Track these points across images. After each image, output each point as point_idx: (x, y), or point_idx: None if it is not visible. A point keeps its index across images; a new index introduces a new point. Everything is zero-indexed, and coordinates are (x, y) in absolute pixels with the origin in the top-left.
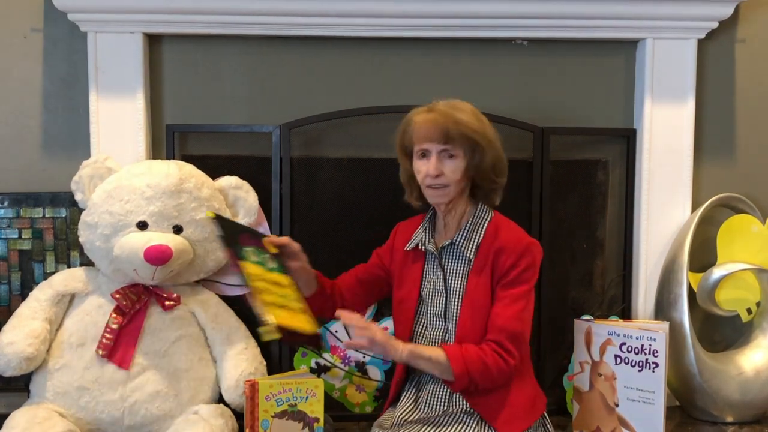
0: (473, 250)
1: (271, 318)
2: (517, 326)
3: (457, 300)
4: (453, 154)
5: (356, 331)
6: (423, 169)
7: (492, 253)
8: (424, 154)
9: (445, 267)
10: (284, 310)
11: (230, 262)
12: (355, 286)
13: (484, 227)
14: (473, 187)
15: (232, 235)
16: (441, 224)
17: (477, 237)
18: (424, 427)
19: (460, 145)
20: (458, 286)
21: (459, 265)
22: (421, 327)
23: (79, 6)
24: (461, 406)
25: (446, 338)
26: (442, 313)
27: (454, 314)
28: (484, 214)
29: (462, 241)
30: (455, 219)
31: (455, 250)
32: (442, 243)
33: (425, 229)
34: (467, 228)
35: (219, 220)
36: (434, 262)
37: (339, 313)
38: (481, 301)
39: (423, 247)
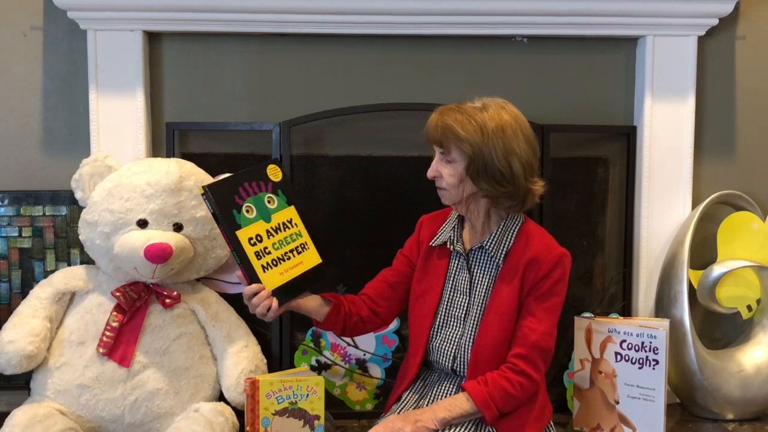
0: (503, 255)
1: (270, 284)
2: (549, 343)
3: (480, 304)
4: (449, 159)
5: None
6: None
7: (523, 263)
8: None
9: (473, 270)
10: (286, 262)
11: (225, 241)
12: (386, 290)
13: (514, 233)
14: None
15: (228, 199)
16: (469, 225)
17: (507, 243)
18: None
19: (453, 150)
20: (483, 290)
21: (487, 269)
22: (437, 326)
23: (79, 4)
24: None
25: (462, 341)
26: (462, 315)
27: (475, 318)
28: (515, 220)
29: (492, 245)
30: (478, 222)
31: (484, 254)
32: (470, 245)
33: (453, 228)
34: (497, 233)
35: (211, 189)
36: (461, 262)
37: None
38: (508, 309)
39: (451, 246)
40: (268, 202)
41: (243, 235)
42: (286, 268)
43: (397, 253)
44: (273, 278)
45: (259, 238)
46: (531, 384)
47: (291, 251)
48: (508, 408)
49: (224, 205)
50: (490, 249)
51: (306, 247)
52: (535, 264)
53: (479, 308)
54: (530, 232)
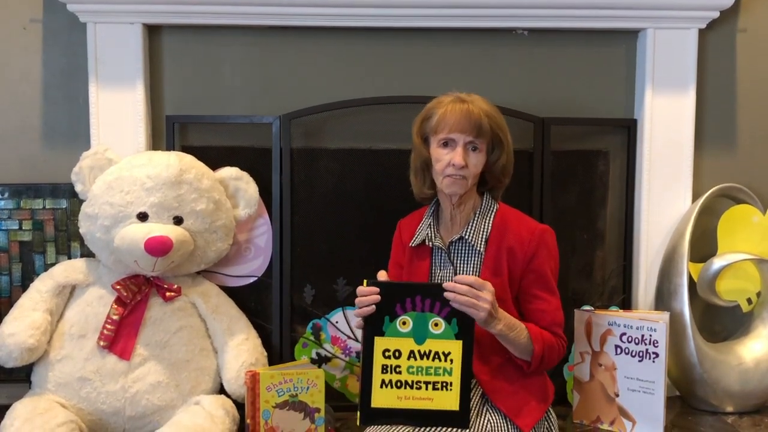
0: (483, 243)
1: (378, 401)
2: (561, 315)
3: None
4: (478, 148)
5: (467, 289)
6: (446, 157)
7: (505, 248)
8: (447, 144)
9: (455, 262)
10: (411, 390)
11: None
12: None
13: (491, 219)
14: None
15: (387, 303)
16: (447, 218)
17: (485, 229)
18: None
19: (487, 139)
20: None
21: (469, 259)
22: None
23: None
24: (474, 400)
25: None
26: None
27: None
28: (490, 206)
29: (471, 234)
30: (464, 212)
31: (464, 245)
32: (450, 238)
33: (429, 224)
34: (475, 221)
35: (373, 286)
36: (443, 257)
37: (457, 277)
38: (499, 295)
39: (430, 243)
40: (434, 325)
41: (381, 343)
42: (409, 395)
43: (388, 269)
44: (385, 397)
45: (396, 354)
46: (563, 349)
47: (426, 383)
48: (548, 357)
49: (378, 307)
50: (470, 238)
51: (448, 387)
52: (518, 248)
53: None
54: (506, 217)
